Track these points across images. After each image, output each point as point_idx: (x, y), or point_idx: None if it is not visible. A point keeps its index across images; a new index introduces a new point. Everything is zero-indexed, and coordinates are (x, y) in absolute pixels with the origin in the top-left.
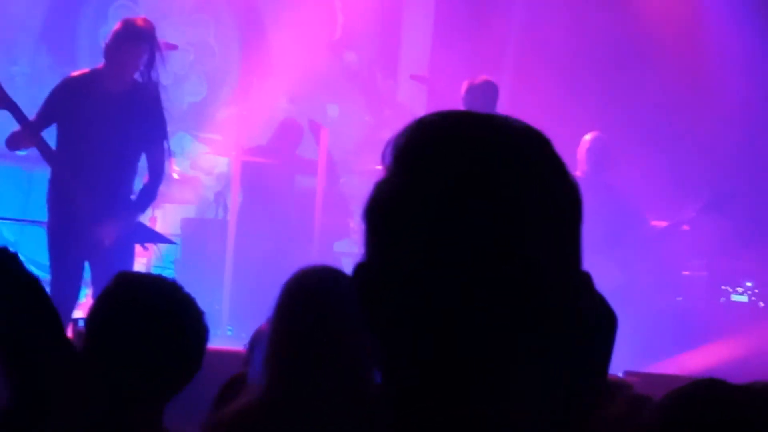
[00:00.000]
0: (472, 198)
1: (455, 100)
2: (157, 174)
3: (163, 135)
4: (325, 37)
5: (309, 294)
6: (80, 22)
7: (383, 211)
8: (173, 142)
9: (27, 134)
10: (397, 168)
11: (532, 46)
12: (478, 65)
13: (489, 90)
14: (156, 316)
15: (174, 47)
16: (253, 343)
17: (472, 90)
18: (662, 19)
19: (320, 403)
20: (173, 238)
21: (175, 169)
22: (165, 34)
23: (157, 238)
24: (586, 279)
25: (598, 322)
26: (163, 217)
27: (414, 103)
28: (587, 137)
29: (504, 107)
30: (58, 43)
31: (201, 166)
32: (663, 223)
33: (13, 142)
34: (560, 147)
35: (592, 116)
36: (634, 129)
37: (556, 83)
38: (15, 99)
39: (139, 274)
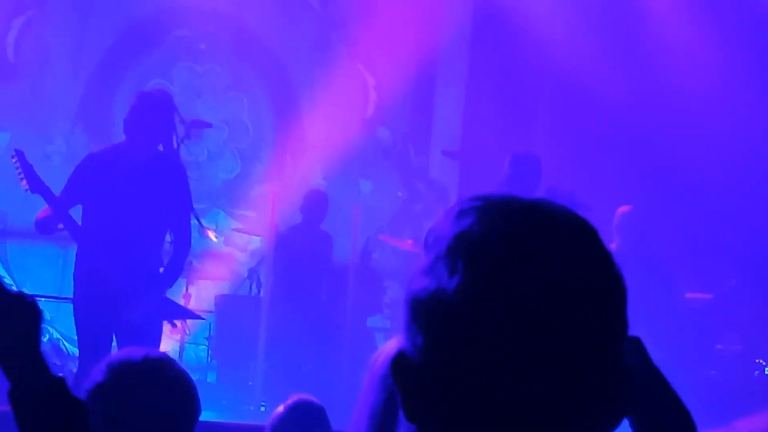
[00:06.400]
0: (519, 295)
1: (486, 176)
2: (182, 247)
3: (187, 207)
4: (358, 114)
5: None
6: (116, 101)
7: (427, 306)
8: (208, 217)
9: (54, 215)
10: (440, 261)
11: (563, 123)
12: (509, 141)
13: (534, 163)
14: (141, 399)
15: (208, 125)
16: (274, 427)
17: (515, 163)
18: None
19: None
20: (207, 315)
21: (212, 234)
22: (199, 112)
23: (185, 314)
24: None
25: None
26: (197, 294)
27: (446, 178)
28: (622, 210)
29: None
30: (94, 122)
31: (235, 243)
32: (698, 295)
33: (42, 226)
34: (595, 220)
35: (627, 188)
36: (672, 200)
37: (589, 159)
38: (51, 178)
39: (127, 358)
